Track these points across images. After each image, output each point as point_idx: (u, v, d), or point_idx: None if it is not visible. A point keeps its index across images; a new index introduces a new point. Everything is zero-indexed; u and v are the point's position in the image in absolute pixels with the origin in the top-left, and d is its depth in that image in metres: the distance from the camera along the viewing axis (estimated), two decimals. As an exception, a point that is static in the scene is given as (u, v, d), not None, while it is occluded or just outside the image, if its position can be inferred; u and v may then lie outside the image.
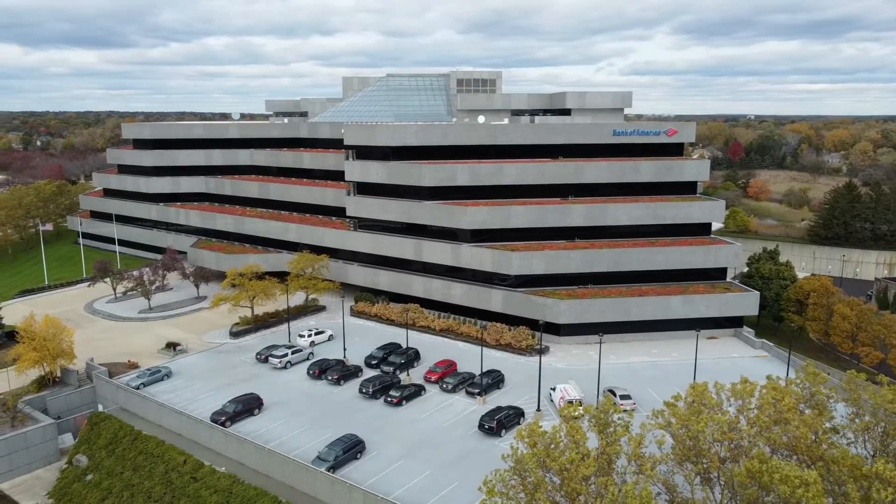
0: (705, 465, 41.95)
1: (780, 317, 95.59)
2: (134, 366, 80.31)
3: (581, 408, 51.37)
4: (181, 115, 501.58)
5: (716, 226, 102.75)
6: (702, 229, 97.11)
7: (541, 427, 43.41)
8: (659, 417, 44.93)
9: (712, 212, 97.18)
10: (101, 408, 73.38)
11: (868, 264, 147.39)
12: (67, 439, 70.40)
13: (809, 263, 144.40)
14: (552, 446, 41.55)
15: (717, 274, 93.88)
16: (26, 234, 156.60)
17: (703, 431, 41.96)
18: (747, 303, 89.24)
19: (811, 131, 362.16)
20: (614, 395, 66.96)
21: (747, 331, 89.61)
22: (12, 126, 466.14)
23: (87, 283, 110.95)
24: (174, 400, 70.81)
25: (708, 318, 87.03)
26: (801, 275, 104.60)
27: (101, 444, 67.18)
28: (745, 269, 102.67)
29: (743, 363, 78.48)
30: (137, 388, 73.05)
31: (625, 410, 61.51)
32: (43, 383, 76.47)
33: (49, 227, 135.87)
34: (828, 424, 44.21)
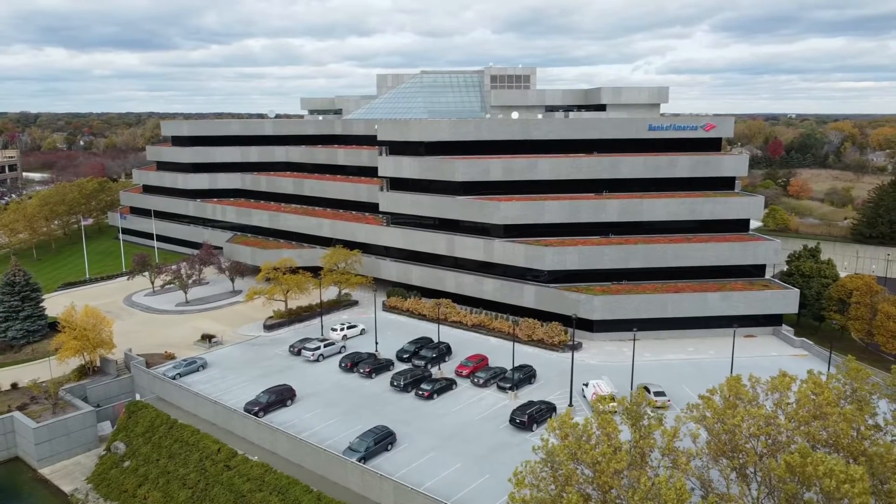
0: (742, 461, 41.01)
1: (821, 316, 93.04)
2: (170, 357, 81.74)
3: (614, 402, 50.75)
4: (219, 116, 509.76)
5: (754, 224, 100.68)
6: (740, 226, 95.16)
7: (573, 419, 42.91)
8: (693, 411, 44.06)
9: (751, 208, 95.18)
10: (138, 397, 74.84)
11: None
12: (106, 427, 71.96)
13: (852, 262, 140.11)
14: (584, 438, 41.03)
15: (755, 271, 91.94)
16: (69, 229, 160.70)
17: (739, 426, 41.02)
18: (787, 301, 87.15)
19: (855, 129, 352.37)
20: (648, 391, 65.90)
21: (786, 329, 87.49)
22: (57, 127, 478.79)
23: (126, 277, 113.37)
24: (209, 390, 71.86)
25: (746, 315, 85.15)
26: (843, 274, 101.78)
27: (139, 431, 68.47)
28: (785, 268, 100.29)
29: (782, 362, 76.43)
30: (174, 379, 74.30)
31: (658, 407, 60.69)
32: (83, 372, 78.41)
33: (89, 221, 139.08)
34: (871, 421, 42.84)
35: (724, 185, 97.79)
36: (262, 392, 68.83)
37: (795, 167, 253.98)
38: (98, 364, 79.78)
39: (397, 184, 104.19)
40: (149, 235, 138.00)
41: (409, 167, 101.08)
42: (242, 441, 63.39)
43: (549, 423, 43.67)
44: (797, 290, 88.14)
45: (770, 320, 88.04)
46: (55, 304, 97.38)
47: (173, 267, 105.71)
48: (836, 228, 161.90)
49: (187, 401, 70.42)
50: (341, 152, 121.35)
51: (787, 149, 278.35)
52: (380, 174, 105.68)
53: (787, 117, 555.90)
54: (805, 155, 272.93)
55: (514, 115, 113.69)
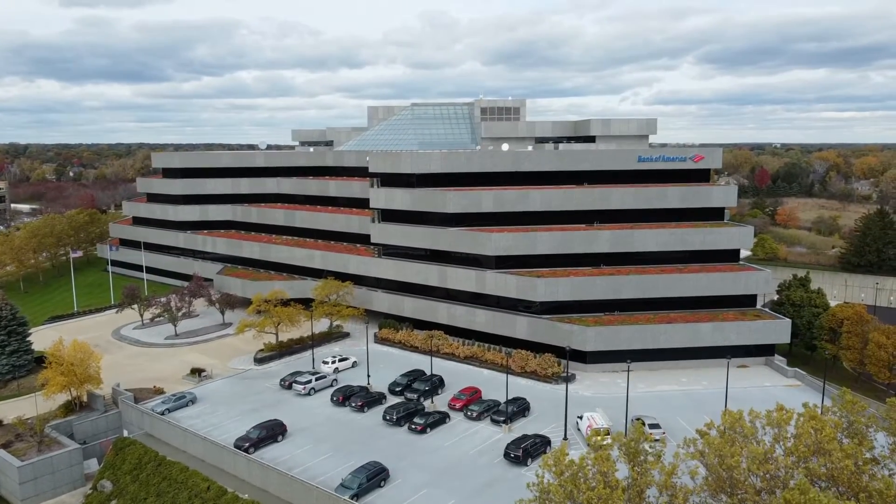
0: (740, 497, 40.58)
1: (813, 345, 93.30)
2: (159, 391, 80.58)
3: (609, 437, 50.24)
4: (210, 147, 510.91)
5: (744, 253, 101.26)
6: (730, 256, 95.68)
7: (568, 455, 42.41)
8: (691, 447, 43.68)
9: (741, 238, 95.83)
10: (126, 433, 73.53)
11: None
12: (93, 464, 70.48)
13: (841, 291, 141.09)
14: (580, 475, 40.51)
15: (746, 301, 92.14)
16: (57, 261, 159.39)
17: (738, 466, 40.62)
18: (779, 330, 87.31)
19: (839, 159, 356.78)
20: (643, 423, 65.42)
21: (779, 359, 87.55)
22: (47, 158, 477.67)
23: (115, 310, 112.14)
24: (198, 426, 70.75)
25: (738, 346, 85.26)
26: (833, 303, 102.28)
27: (126, 469, 67.13)
28: (776, 297, 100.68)
29: (775, 392, 76.48)
30: (162, 414, 73.16)
31: (655, 440, 60.11)
32: (70, 408, 76.97)
33: (78, 254, 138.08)
34: (868, 454, 42.57)
35: (713, 215, 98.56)
36: (253, 427, 67.81)
37: (782, 196, 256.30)
38: (85, 399, 78.46)
39: (389, 215, 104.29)
40: (138, 267, 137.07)
41: (400, 199, 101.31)
42: (233, 478, 62.22)
43: (543, 458, 43.16)
44: (789, 320, 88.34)
45: (762, 350, 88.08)
46: (42, 337, 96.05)
47: (163, 299, 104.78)
48: (825, 257, 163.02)
49: (176, 437, 69.23)
50: (333, 184, 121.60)
51: (773, 178, 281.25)
52: (371, 206, 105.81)
53: (773, 146, 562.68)
54: (791, 184, 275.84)
55: (505, 146, 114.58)
